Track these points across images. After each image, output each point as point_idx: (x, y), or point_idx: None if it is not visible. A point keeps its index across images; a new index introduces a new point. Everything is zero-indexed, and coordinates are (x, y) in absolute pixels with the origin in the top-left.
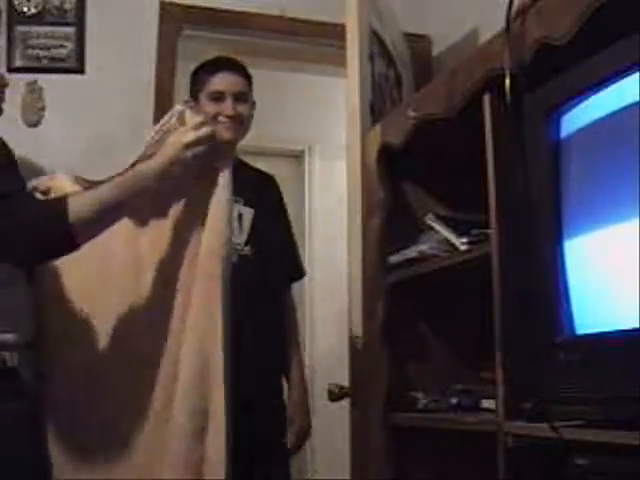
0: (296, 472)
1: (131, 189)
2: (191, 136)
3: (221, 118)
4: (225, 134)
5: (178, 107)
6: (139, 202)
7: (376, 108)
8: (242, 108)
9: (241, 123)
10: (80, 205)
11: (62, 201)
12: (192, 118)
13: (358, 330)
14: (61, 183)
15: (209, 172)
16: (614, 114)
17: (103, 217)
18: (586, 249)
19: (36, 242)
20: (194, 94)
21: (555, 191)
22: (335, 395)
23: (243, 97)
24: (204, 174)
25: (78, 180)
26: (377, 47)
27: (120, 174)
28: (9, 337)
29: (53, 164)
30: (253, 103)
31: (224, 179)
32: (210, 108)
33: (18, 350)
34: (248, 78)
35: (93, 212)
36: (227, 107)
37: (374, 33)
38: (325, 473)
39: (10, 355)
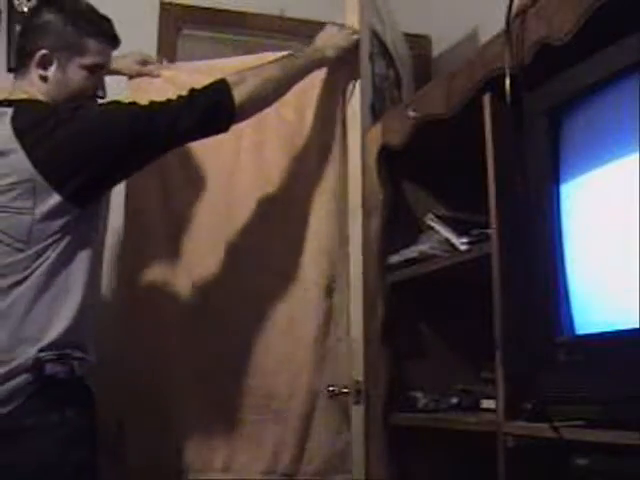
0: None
1: (294, 70)
2: (348, 39)
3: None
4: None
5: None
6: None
7: (376, 108)
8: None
9: None
10: (245, 87)
11: (225, 83)
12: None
13: (358, 330)
14: None
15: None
16: (614, 114)
17: (265, 96)
18: (586, 249)
19: (204, 122)
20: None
21: (555, 190)
22: (335, 395)
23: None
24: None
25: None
26: (377, 47)
27: (285, 57)
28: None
29: None
30: None
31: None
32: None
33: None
34: None
35: (255, 91)
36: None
37: (374, 33)
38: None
39: (79, 364)
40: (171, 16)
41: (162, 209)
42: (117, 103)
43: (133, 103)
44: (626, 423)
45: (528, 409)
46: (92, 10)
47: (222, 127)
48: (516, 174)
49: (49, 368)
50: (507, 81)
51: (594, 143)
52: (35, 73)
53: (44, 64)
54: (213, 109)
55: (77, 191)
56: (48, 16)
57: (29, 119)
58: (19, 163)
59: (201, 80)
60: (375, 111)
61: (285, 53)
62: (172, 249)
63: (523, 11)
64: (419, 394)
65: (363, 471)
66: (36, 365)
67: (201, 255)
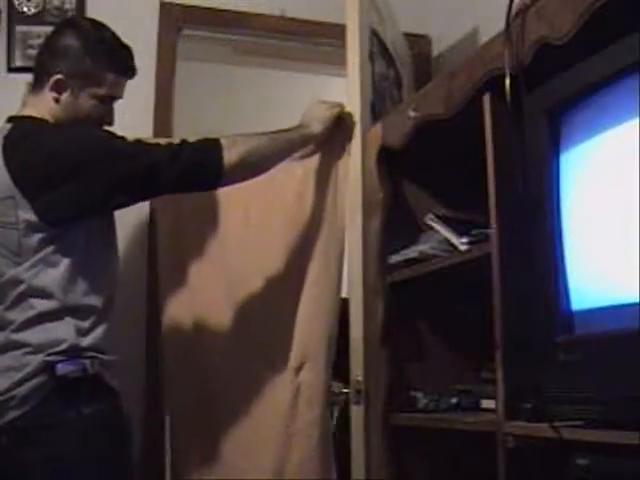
0: None
1: (282, 142)
2: (333, 110)
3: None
4: None
5: None
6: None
7: (376, 108)
8: None
9: None
10: (236, 151)
11: (217, 142)
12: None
13: (358, 330)
14: None
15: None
16: (614, 114)
17: (254, 163)
18: (587, 249)
19: (189, 175)
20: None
21: (555, 191)
22: (335, 395)
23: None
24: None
25: None
26: (377, 47)
27: (273, 132)
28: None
29: None
30: None
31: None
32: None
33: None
34: None
35: (246, 157)
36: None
37: (374, 33)
38: None
39: (90, 363)
40: (171, 16)
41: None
42: (108, 132)
43: (122, 137)
44: (626, 423)
45: (528, 409)
46: (114, 39)
47: (206, 186)
48: (516, 174)
49: (60, 368)
50: (507, 81)
51: (594, 143)
52: (49, 94)
53: (58, 88)
54: (199, 166)
55: (48, 208)
56: (70, 41)
57: (18, 135)
58: (2, 178)
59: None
60: (375, 111)
61: None
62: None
63: (523, 11)
64: (419, 394)
65: (363, 471)
66: (46, 368)
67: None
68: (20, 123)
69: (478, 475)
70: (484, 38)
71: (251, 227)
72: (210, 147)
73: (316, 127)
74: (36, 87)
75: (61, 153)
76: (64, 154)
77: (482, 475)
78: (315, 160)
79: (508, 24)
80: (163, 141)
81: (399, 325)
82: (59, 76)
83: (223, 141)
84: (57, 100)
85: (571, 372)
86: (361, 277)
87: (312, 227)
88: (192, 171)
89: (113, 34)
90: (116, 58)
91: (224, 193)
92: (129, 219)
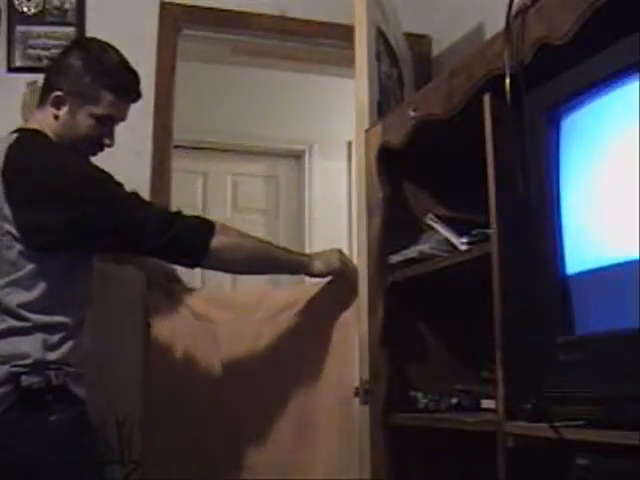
0: None
1: (274, 256)
2: (341, 263)
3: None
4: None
5: None
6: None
7: (383, 107)
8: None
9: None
10: (226, 240)
11: (211, 225)
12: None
13: (364, 329)
14: None
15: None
16: (614, 114)
17: (238, 260)
18: (587, 249)
19: (175, 247)
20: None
21: (555, 191)
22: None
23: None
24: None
25: None
26: (383, 46)
27: (275, 246)
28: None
29: None
30: None
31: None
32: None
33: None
34: None
35: (233, 250)
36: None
37: (380, 32)
38: None
39: (55, 374)
40: (171, 16)
41: None
42: (108, 175)
43: (120, 184)
44: (626, 423)
45: (528, 409)
46: (119, 61)
47: (186, 263)
48: (516, 174)
49: (24, 379)
50: (507, 81)
51: (594, 143)
52: (49, 110)
53: (57, 104)
54: (187, 242)
55: (32, 230)
56: (73, 60)
57: (20, 147)
58: None
59: (216, 314)
60: (382, 110)
61: None
62: None
63: (523, 11)
64: (419, 394)
65: (369, 470)
66: (12, 378)
67: None
68: (25, 135)
69: (478, 475)
70: (484, 38)
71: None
72: (203, 227)
73: (316, 265)
74: (41, 102)
75: (58, 186)
76: (61, 187)
77: (482, 475)
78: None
79: (508, 24)
80: (159, 206)
81: (399, 325)
82: (59, 92)
83: (218, 226)
84: (56, 117)
85: (571, 372)
86: (366, 276)
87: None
88: (179, 244)
89: (120, 56)
90: (116, 79)
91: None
92: None
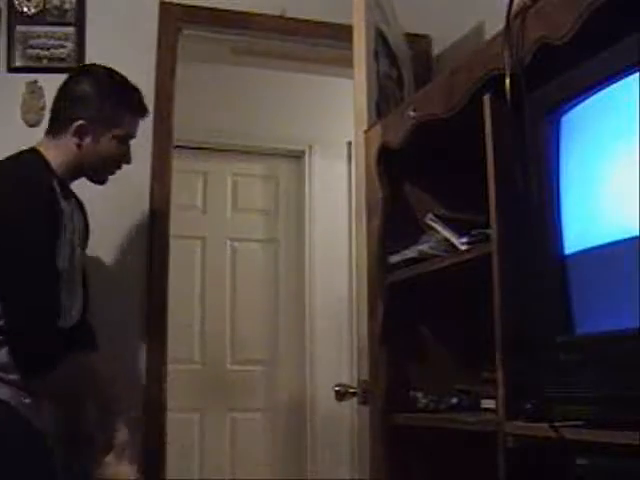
0: (297, 472)
1: None
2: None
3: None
4: (106, 178)
5: None
6: None
7: (381, 107)
8: None
9: None
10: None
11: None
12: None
13: (364, 329)
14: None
15: None
16: (614, 114)
17: None
18: (587, 249)
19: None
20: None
21: (555, 191)
22: (341, 396)
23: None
24: None
25: None
26: (382, 46)
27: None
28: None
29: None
30: None
31: None
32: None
33: None
34: None
35: None
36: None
37: (379, 32)
38: (326, 473)
39: None
40: (171, 16)
41: None
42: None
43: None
44: (626, 423)
45: (528, 409)
46: (126, 82)
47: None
48: (516, 174)
49: None
50: (507, 81)
51: (594, 143)
52: (71, 140)
53: (80, 134)
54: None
55: None
56: (86, 88)
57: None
58: None
59: None
60: (380, 110)
61: None
62: None
63: (523, 11)
64: (419, 394)
65: (368, 471)
66: None
67: None
68: (27, 157)
69: (478, 475)
70: (484, 38)
71: None
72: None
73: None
74: (54, 132)
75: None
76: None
77: (482, 475)
78: None
79: (508, 24)
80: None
81: (399, 325)
82: (81, 122)
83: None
84: (79, 145)
85: (571, 372)
86: (366, 276)
87: None
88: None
89: (122, 76)
90: (130, 99)
91: None
92: (129, 223)
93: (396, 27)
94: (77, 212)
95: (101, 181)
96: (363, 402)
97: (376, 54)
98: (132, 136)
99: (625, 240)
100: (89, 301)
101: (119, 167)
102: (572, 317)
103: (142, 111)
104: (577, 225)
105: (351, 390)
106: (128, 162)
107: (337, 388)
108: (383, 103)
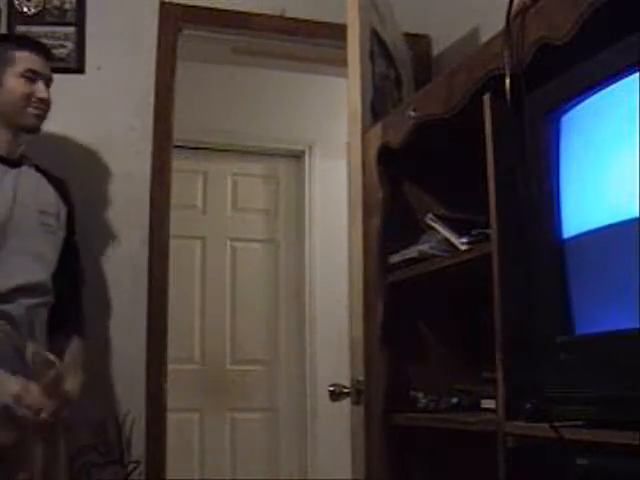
0: (297, 472)
1: None
2: None
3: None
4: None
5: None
6: None
7: (376, 108)
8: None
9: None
10: None
11: None
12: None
13: (358, 330)
14: None
15: None
16: (614, 114)
17: None
18: (587, 250)
19: None
20: None
21: (555, 191)
22: (336, 395)
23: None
24: None
25: None
26: (377, 47)
27: None
28: None
29: (53, 164)
30: None
31: None
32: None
33: None
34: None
35: None
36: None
37: (374, 33)
38: (326, 473)
39: None
40: (171, 16)
41: None
42: None
43: None
44: (626, 423)
45: (528, 409)
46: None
47: None
48: (516, 174)
49: None
50: (507, 81)
51: (594, 143)
52: None
53: None
54: None
55: None
56: None
57: None
58: None
59: None
60: (375, 110)
61: None
62: None
63: (523, 11)
64: (419, 394)
65: (363, 471)
66: None
67: None
68: None
69: (478, 475)
70: (484, 38)
71: None
72: None
73: None
74: None
75: None
76: None
77: (482, 475)
78: None
79: (508, 24)
80: None
81: (399, 325)
82: None
83: None
84: None
85: (571, 372)
86: (361, 277)
87: None
88: None
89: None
90: (17, 37)
91: None
92: (129, 223)
93: (394, 27)
94: (24, 181)
95: (32, 128)
96: (356, 402)
97: (371, 55)
98: (36, 72)
99: (624, 222)
100: (71, 281)
101: (38, 108)
102: (572, 316)
103: (35, 45)
104: (576, 223)
105: (345, 390)
106: (46, 99)
107: (331, 388)
108: (379, 103)
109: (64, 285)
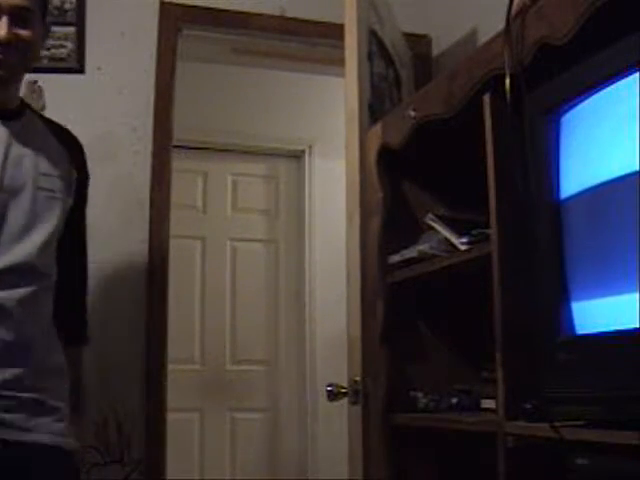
0: (297, 472)
1: None
2: None
3: None
4: None
5: None
6: None
7: (375, 108)
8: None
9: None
10: None
11: None
12: None
13: (356, 330)
14: None
15: None
16: (614, 114)
17: None
18: (587, 250)
19: None
20: None
21: (555, 191)
22: (334, 395)
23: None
24: None
25: None
26: (376, 47)
27: None
28: None
29: None
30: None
31: None
32: None
33: None
34: None
35: None
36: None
37: (373, 33)
38: (326, 473)
39: None
40: (171, 16)
41: None
42: None
43: None
44: (626, 423)
45: (528, 409)
46: None
47: None
48: (516, 174)
49: None
50: (507, 81)
51: (594, 143)
52: None
53: None
54: None
55: None
56: None
57: None
58: None
59: None
60: (374, 111)
61: None
62: None
63: (523, 11)
64: (419, 394)
65: (362, 471)
66: None
67: None
68: None
69: (478, 475)
70: (484, 38)
71: None
72: None
73: None
74: None
75: None
76: None
77: (482, 475)
78: None
79: (508, 24)
80: None
81: (399, 325)
82: None
83: None
84: None
85: (571, 372)
86: (360, 277)
87: None
88: None
89: None
90: None
91: None
92: (129, 223)
93: (393, 28)
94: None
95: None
96: (354, 402)
97: (369, 55)
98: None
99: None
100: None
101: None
102: (572, 317)
103: None
104: (577, 226)
105: (343, 390)
106: (6, 35)
107: (329, 388)
108: (377, 104)
109: (69, 273)
